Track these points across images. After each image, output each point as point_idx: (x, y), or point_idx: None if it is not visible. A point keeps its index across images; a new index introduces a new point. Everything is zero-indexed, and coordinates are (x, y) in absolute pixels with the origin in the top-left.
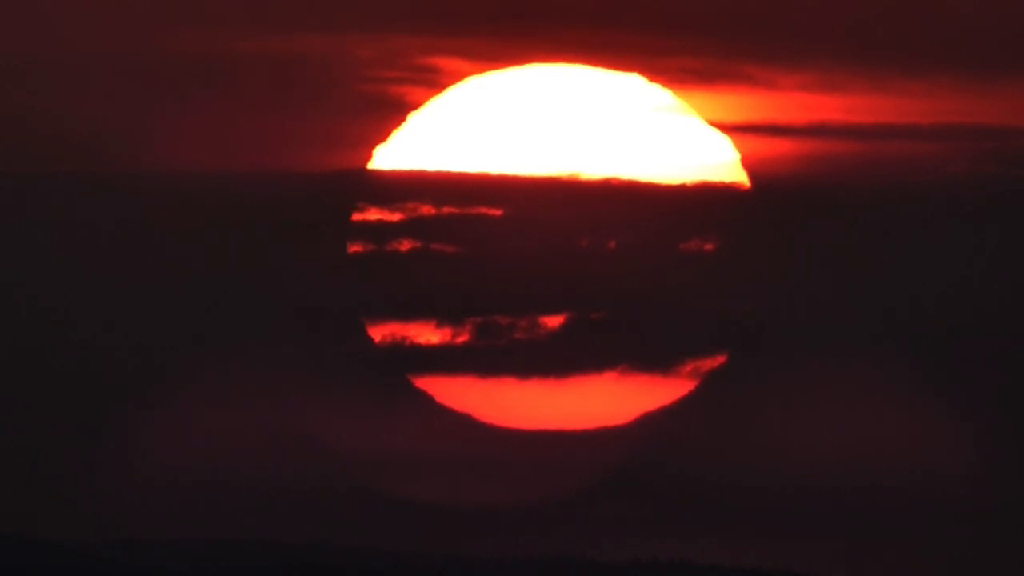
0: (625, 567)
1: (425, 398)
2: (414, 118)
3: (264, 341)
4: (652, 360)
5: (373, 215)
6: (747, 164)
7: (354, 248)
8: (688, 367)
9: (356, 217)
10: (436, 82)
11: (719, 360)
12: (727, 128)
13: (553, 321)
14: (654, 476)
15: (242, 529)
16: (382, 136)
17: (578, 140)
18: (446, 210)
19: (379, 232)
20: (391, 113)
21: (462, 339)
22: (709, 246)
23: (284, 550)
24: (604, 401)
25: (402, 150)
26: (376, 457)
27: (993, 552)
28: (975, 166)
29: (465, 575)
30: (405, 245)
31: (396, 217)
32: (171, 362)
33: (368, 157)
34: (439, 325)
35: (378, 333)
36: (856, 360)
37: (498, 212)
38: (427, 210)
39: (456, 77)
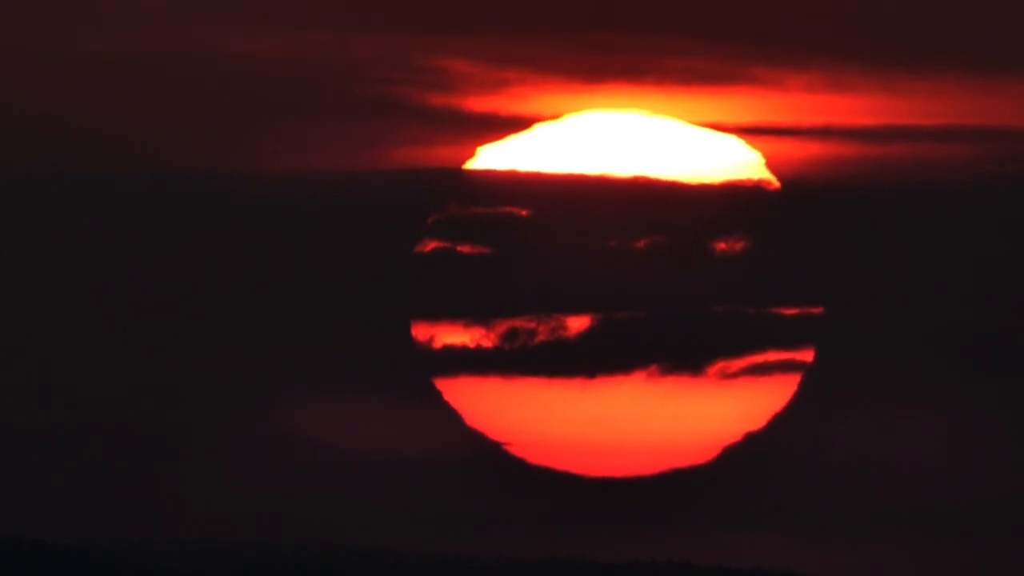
0: (625, 567)
1: (440, 401)
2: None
3: (269, 343)
4: (682, 361)
5: (399, 216)
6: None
7: (377, 249)
8: (717, 368)
9: (380, 218)
10: (439, 83)
11: (747, 361)
12: (734, 129)
13: (581, 322)
14: (655, 476)
15: (242, 529)
16: (388, 137)
17: (605, 141)
18: (473, 210)
19: (404, 233)
20: (395, 114)
21: (489, 340)
22: (739, 245)
23: (284, 550)
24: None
25: (423, 150)
26: (381, 458)
27: (993, 552)
28: (982, 167)
29: (465, 575)
30: (430, 245)
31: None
32: (171, 363)
33: (378, 158)
34: (466, 326)
35: (402, 334)
36: (865, 361)
37: (524, 212)
38: (454, 209)
39: (459, 78)
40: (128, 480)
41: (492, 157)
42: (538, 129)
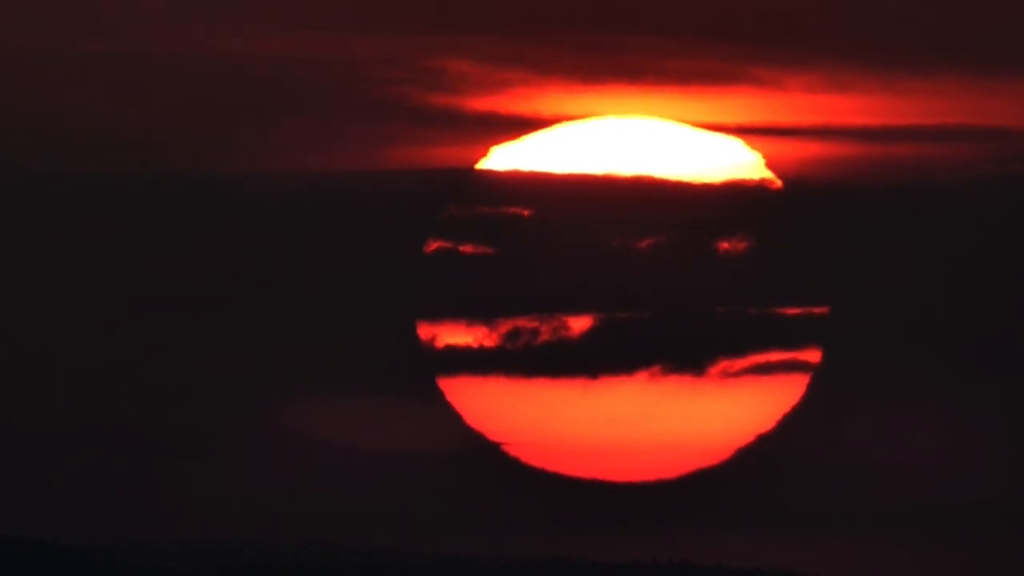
0: (625, 567)
1: (441, 401)
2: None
3: (269, 343)
4: (686, 362)
5: (400, 216)
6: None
7: (379, 249)
8: (721, 369)
9: (381, 218)
10: (440, 84)
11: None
12: (734, 130)
13: (584, 322)
14: (666, 481)
15: (242, 529)
16: (388, 137)
17: (608, 141)
18: (476, 210)
19: (406, 233)
20: (395, 115)
21: (491, 340)
22: (742, 245)
23: (284, 550)
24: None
25: (424, 151)
26: (381, 458)
27: (993, 552)
28: (983, 167)
29: (465, 575)
30: (433, 245)
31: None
32: (171, 363)
33: (379, 158)
34: (469, 325)
35: (403, 335)
36: (867, 361)
37: (527, 212)
38: (456, 209)
39: (460, 78)
40: (128, 480)
41: (494, 157)
42: (541, 131)
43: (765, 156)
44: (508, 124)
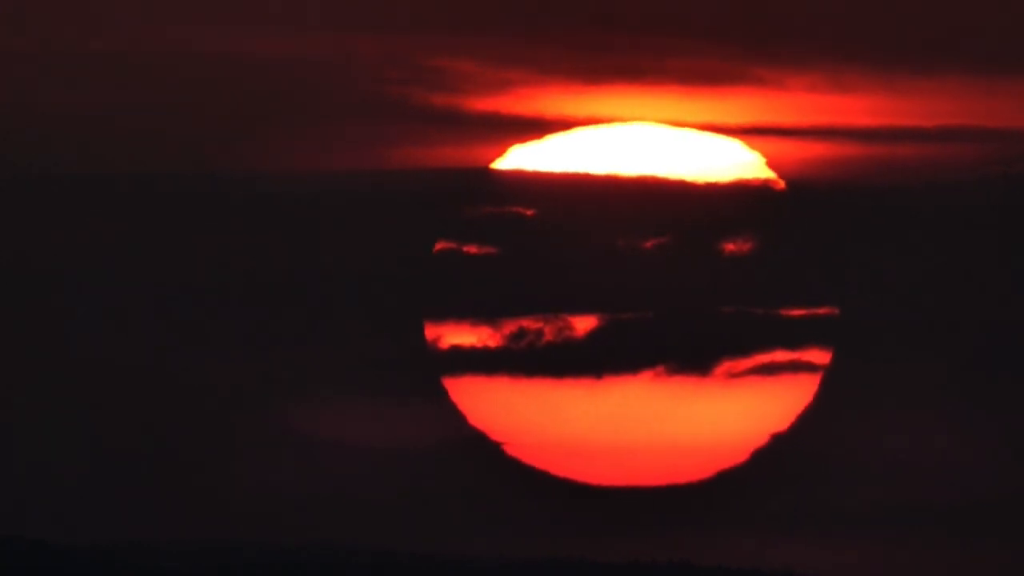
0: (625, 567)
1: (444, 401)
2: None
3: (269, 343)
4: (690, 363)
5: (401, 216)
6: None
7: (382, 250)
8: (726, 369)
9: (381, 218)
10: (441, 83)
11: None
12: (736, 130)
13: (588, 322)
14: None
15: (242, 529)
16: (389, 137)
17: (612, 141)
18: (479, 209)
19: (407, 233)
20: (396, 115)
21: (496, 340)
22: (747, 246)
23: (284, 550)
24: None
25: (425, 151)
26: (382, 458)
27: (993, 552)
28: (987, 168)
29: (465, 575)
30: (436, 245)
31: (427, 217)
32: (171, 364)
33: (380, 158)
34: (472, 325)
35: (406, 335)
36: (866, 361)
37: (531, 212)
38: (460, 209)
39: (462, 78)
40: (128, 480)
41: (494, 158)
42: (544, 133)
43: (767, 157)
44: (509, 124)
